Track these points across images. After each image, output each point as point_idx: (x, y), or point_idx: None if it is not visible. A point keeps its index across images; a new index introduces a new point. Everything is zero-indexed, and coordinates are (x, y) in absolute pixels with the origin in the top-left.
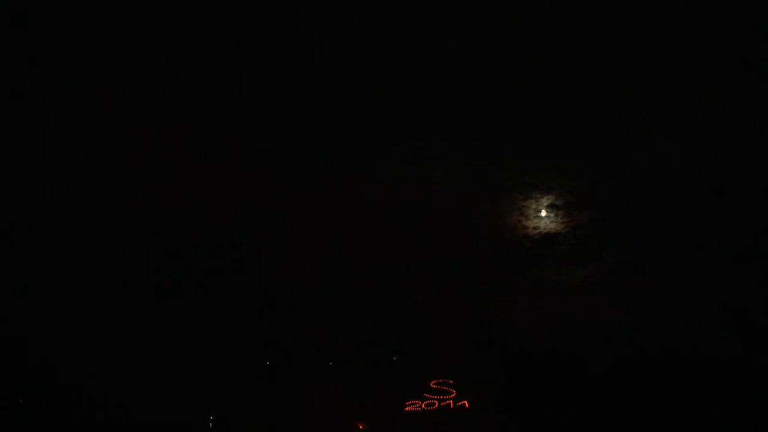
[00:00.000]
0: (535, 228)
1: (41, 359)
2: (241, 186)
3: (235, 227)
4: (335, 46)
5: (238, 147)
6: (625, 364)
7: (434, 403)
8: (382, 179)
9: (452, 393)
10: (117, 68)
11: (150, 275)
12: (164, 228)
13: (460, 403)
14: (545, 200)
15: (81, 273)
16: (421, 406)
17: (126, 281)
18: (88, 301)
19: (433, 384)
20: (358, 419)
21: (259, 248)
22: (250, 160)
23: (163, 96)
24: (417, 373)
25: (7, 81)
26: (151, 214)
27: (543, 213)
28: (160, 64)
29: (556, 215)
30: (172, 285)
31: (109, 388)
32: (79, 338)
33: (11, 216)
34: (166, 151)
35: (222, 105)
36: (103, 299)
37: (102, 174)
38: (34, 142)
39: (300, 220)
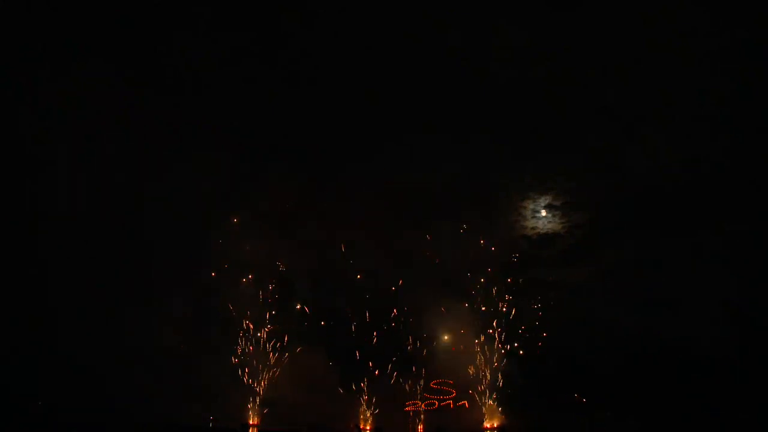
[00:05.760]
0: (533, 228)
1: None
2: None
3: None
4: (335, 45)
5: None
6: (625, 363)
7: (434, 403)
8: (379, 178)
9: (452, 393)
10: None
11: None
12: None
13: (460, 403)
14: (543, 200)
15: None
16: (421, 406)
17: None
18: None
19: (433, 384)
20: (358, 419)
21: None
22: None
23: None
24: (417, 373)
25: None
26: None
27: (542, 213)
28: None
29: (554, 215)
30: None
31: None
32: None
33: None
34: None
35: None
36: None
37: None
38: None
39: None
